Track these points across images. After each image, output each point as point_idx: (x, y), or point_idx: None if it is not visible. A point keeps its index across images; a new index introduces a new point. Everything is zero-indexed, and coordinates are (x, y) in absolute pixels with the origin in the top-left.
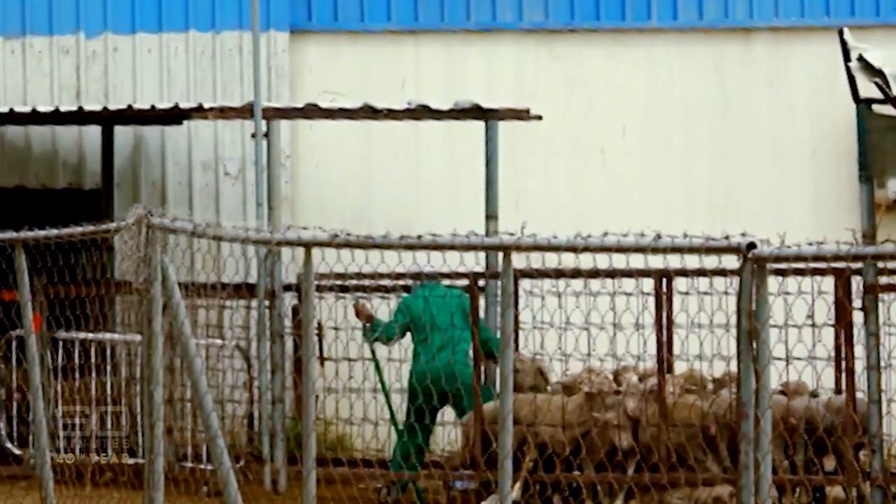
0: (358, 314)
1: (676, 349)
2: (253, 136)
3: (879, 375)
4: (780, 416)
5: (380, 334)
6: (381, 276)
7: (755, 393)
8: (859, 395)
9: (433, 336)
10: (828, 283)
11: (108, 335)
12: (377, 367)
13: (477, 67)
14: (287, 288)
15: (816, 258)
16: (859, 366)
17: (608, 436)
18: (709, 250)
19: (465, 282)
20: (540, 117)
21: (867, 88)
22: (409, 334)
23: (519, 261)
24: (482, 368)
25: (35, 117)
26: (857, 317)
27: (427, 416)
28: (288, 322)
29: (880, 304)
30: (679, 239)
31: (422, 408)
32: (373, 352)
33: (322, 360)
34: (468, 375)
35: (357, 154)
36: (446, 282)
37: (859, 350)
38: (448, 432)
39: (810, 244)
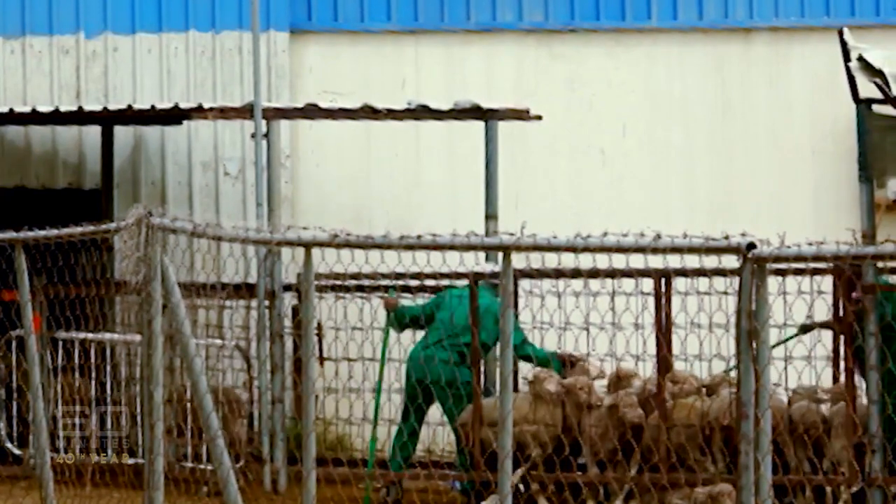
0: (387, 307)
1: (676, 349)
2: (253, 136)
3: (879, 375)
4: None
5: (393, 318)
6: (381, 276)
7: (755, 393)
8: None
9: (437, 331)
10: (827, 282)
11: (108, 335)
12: (382, 364)
13: (477, 67)
14: (287, 288)
15: (816, 258)
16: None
17: (619, 417)
18: (709, 250)
19: (465, 282)
20: (540, 117)
21: (867, 88)
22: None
23: (519, 261)
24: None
25: (35, 117)
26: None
27: (411, 414)
28: (288, 322)
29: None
30: (679, 239)
31: (406, 403)
32: (383, 351)
33: (322, 360)
34: (448, 372)
35: (357, 154)
36: (445, 282)
37: None
38: (447, 433)
39: (810, 244)
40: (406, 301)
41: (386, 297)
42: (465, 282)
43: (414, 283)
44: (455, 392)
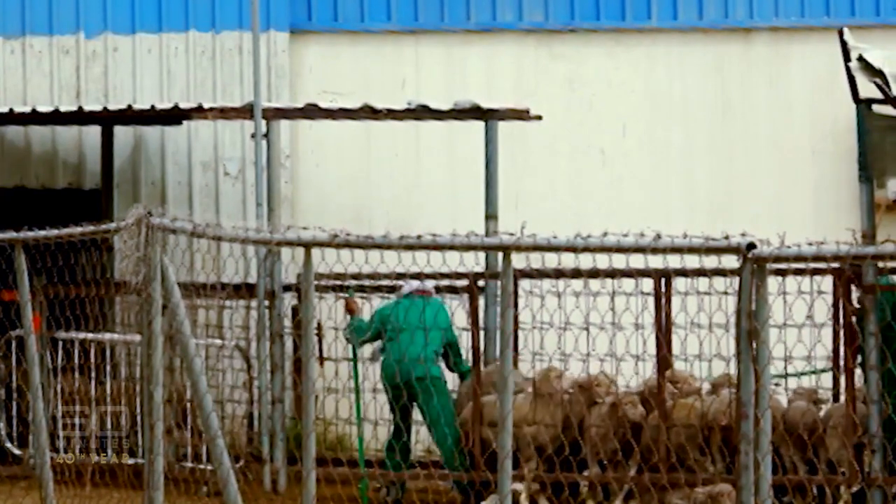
0: (348, 309)
1: (676, 349)
2: (253, 136)
3: (879, 375)
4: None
5: (350, 331)
6: (381, 276)
7: (755, 393)
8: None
9: (400, 338)
10: (827, 282)
11: (108, 335)
12: (355, 365)
13: (477, 67)
14: (287, 288)
15: (816, 258)
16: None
17: (618, 415)
18: (709, 250)
19: (464, 282)
20: (540, 117)
21: (867, 88)
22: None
23: (519, 261)
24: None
25: (35, 117)
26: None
27: (397, 414)
28: (288, 322)
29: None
30: (679, 239)
31: (391, 404)
32: (353, 350)
33: (322, 360)
34: (425, 370)
35: (357, 154)
36: (445, 282)
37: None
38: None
39: (810, 244)
40: (377, 301)
41: (346, 297)
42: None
43: (415, 282)
44: (438, 386)
